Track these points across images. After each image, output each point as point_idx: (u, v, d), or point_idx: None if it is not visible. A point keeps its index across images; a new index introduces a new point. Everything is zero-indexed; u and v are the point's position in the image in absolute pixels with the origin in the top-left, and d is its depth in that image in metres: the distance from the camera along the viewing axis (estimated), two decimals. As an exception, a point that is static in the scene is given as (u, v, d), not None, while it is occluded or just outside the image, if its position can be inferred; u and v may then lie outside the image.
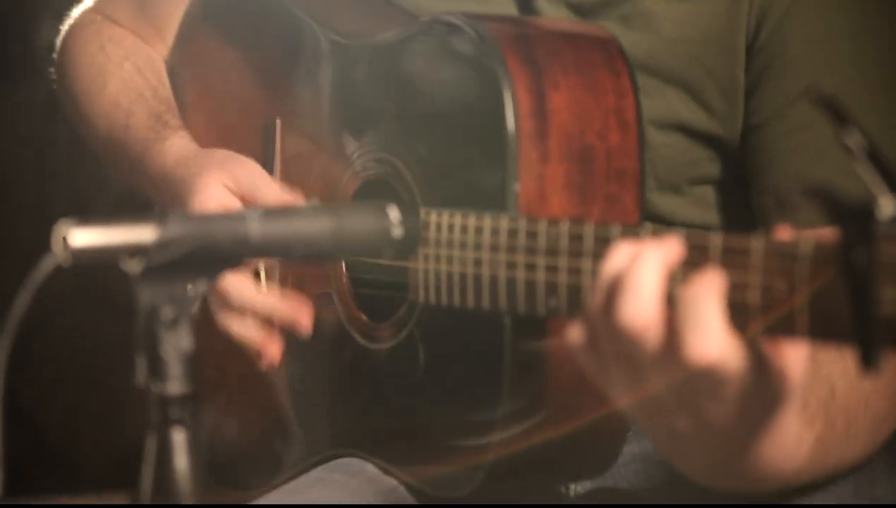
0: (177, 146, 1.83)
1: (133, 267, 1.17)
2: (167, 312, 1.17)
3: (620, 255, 1.21)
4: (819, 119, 1.57)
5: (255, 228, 1.21)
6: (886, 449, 1.56)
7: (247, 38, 1.89)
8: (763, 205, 1.63)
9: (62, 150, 2.57)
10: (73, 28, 2.04)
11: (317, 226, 1.25)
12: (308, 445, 1.78)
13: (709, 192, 1.69)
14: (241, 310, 1.69)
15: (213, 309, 1.71)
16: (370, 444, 1.68)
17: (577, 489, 1.70)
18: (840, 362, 1.43)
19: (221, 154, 1.77)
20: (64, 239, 1.14)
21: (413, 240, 1.29)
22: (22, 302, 1.15)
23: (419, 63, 1.59)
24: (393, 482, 1.66)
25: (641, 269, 1.18)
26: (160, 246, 1.16)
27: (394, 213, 1.28)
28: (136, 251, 1.16)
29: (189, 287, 1.19)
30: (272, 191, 1.67)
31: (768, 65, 1.60)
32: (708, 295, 1.14)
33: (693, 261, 1.19)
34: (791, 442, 1.27)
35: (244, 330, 1.70)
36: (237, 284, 1.68)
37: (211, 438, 1.94)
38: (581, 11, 1.64)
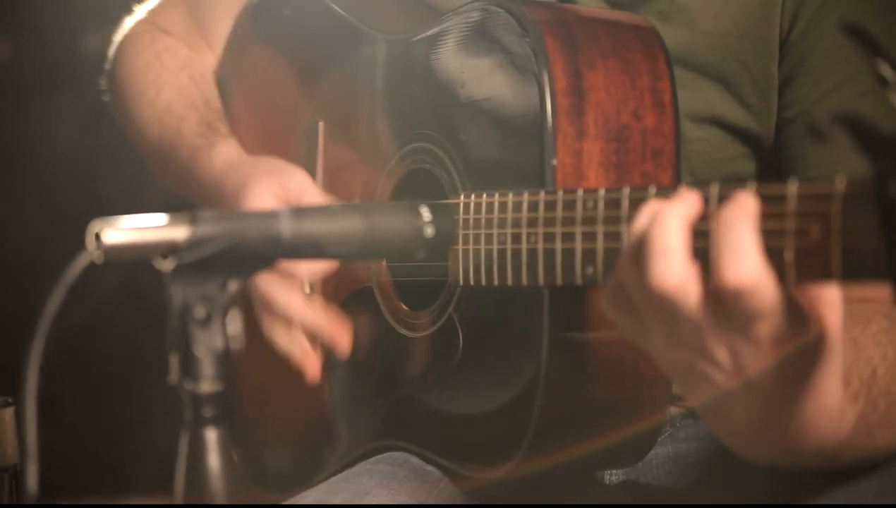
0: (225, 153, 1.87)
1: (165, 265, 1.19)
2: (199, 311, 1.18)
3: (643, 218, 1.23)
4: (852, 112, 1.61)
5: (287, 227, 1.22)
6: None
7: (292, 44, 1.94)
8: None
9: (105, 158, 2.61)
10: (126, 38, 2.09)
11: (349, 225, 1.25)
12: (350, 441, 1.79)
13: None
14: (284, 319, 1.70)
15: (258, 314, 1.73)
16: (412, 433, 1.69)
17: (611, 478, 1.70)
18: (879, 347, 1.44)
19: (270, 163, 1.80)
20: (97, 236, 1.16)
21: (448, 239, 1.29)
22: (56, 297, 1.16)
23: (457, 49, 1.62)
24: (437, 473, 1.67)
25: (664, 228, 1.20)
26: (192, 243, 1.18)
27: (426, 212, 1.28)
28: (168, 249, 1.18)
29: (222, 286, 1.20)
30: (317, 199, 1.69)
31: (803, 58, 1.63)
32: (742, 219, 1.16)
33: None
34: (834, 410, 1.27)
35: (287, 343, 1.72)
36: (283, 292, 1.69)
37: (253, 440, 1.95)
38: (619, 6, 1.68)
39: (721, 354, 1.21)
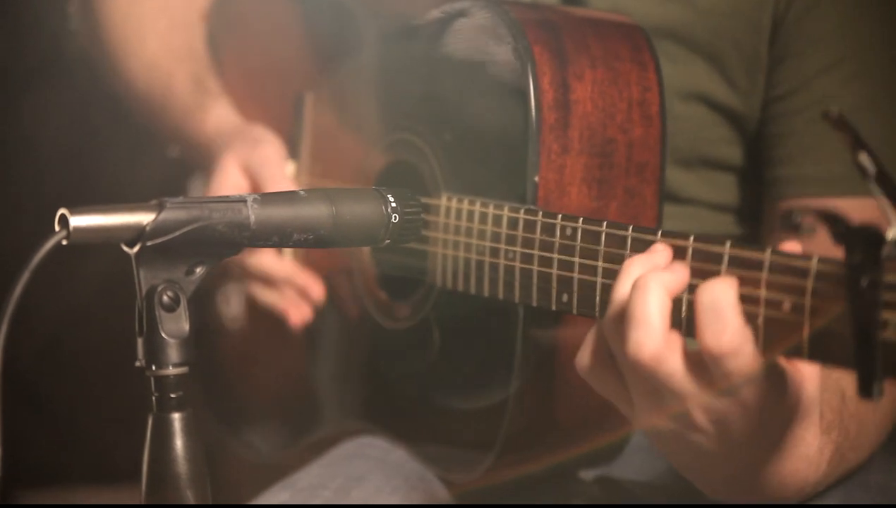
0: (216, 116, 1.88)
1: (131, 249, 1.19)
2: (166, 295, 1.20)
3: (624, 283, 1.22)
4: (841, 93, 1.59)
5: (252, 213, 1.22)
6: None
7: (290, 9, 1.90)
8: (776, 177, 1.63)
9: (96, 150, 2.60)
10: None
11: (314, 211, 1.25)
12: (331, 416, 1.80)
13: (721, 178, 1.69)
14: (262, 278, 1.77)
15: (241, 284, 1.80)
16: (388, 421, 1.70)
17: (587, 474, 1.71)
18: None
19: (254, 133, 1.81)
20: (64, 218, 1.17)
21: (415, 226, 1.29)
22: (22, 280, 1.16)
23: (450, 47, 1.59)
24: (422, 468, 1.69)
25: (644, 298, 1.18)
26: (156, 228, 1.18)
27: (392, 199, 1.28)
28: (134, 233, 1.19)
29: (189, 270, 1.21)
30: (276, 183, 1.75)
31: (795, 40, 1.61)
32: (724, 287, 1.15)
33: (704, 272, 1.19)
34: (813, 456, 1.28)
35: (268, 295, 1.79)
36: (256, 258, 1.77)
37: (237, 410, 1.98)
38: None
39: (705, 422, 1.21)
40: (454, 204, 1.51)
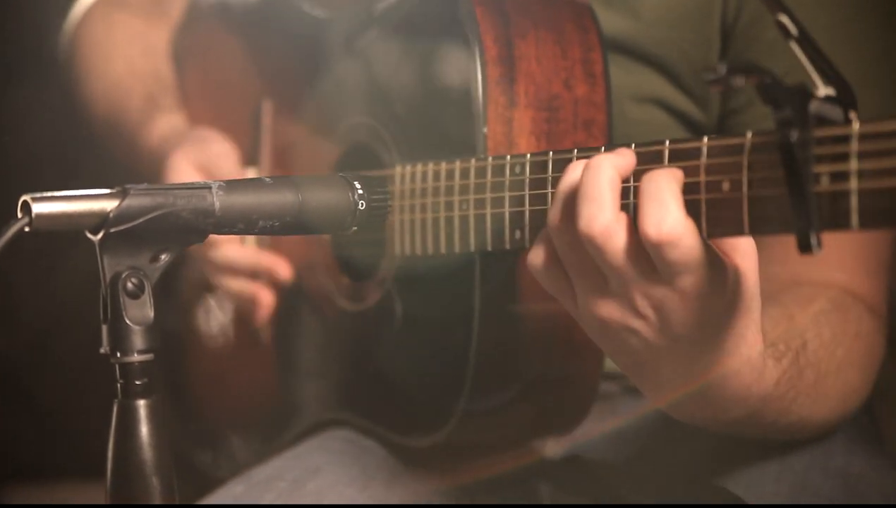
0: (161, 127, 1.93)
1: (95, 236, 1.21)
2: (130, 282, 1.21)
3: (576, 167, 1.25)
4: None
5: (216, 200, 1.23)
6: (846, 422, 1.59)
7: (244, 22, 1.96)
8: None
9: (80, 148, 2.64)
10: (82, 11, 2.12)
11: (280, 198, 1.26)
12: (299, 416, 1.81)
13: None
14: (227, 267, 1.81)
15: (207, 275, 1.83)
16: (356, 405, 1.71)
17: (553, 452, 1.71)
18: (816, 326, 1.46)
19: (199, 134, 1.87)
20: (26, 204, 1.18)
21: (380, 212, 1.30)
22: None
23: (392, 23, 1.64)
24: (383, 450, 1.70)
25: (597, 174, 1.22)
26: (120, 214, 1.19)
27: (359, 186, 1.30)
28: (97, 220, 1.20)
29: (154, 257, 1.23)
30: (234, 166, 1.80)
31: (747, 48, 1.64)
32: (667, 178, 1.19)
33: (648, 164, 1.23)
34: (756, 361, 1.29)
35: (235, 283, 1.82)
36: (220, 248, 1.81)
37: (205, 422, 1.97)
38: None
39: (646, 308, 1.23)
40: (408, 170, 1.55)
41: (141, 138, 1.92)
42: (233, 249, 1.81)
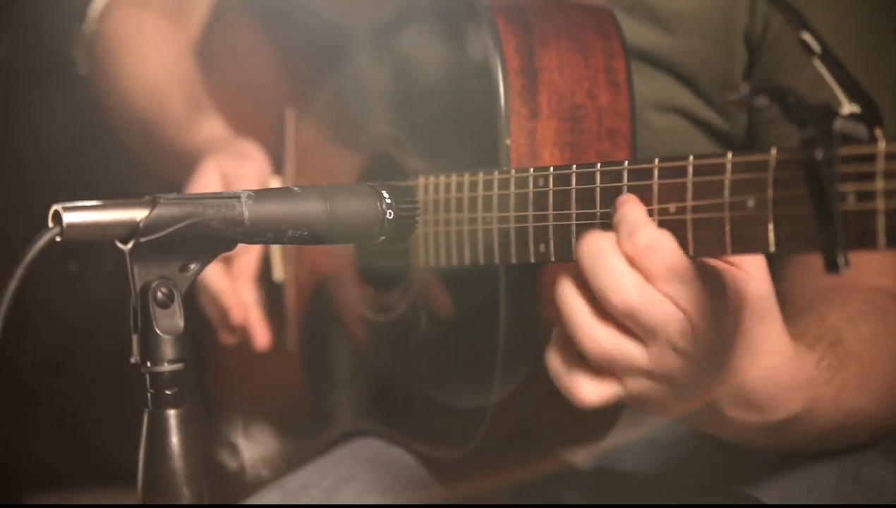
0: (208, 128, 1.91)
1: (125, 246, 1.20)
2: (160, 291, 1.20)
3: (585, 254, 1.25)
4: None
5: (246, 209, 1.23)
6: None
7: (268, 29, 1.96)
8: None
9: (97, 153, 2.64)
10: (105, 10, 2.12)
11: (309, 207, 1.26)
12: (326, 427, 1.80)
13: None
14: (205, 290, 1.80)
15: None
16: (383, 416, 1.71)
17: (582, 461, 1.70)
18: (852, 324, 1.44)
19: (241, 147, 1.84)
20: (57, 214, 1.18)
21: (408, 222, 1.30)
22: (16, 276, 1.17)
23: (414, 33, 1.63)
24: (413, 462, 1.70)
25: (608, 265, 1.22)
26: (150, 224, 1.19)
27: (387, 195, 1.29)
28: (127, 230, 1.19)
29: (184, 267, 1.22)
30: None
31: (777, 62, 1.61)
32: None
33: (670, 187, 1.22)
34: (786, 348, 1.27)
35: (208, 308, 1.83)
36: (209, 274, 1.79)
37: (233, 432, 1.98)
38: None
39: (658, 367, 1.23)
40: (431, 181, 1.54)
41: (185, 138, 1.90)
42: (210, 272, 1.78)
